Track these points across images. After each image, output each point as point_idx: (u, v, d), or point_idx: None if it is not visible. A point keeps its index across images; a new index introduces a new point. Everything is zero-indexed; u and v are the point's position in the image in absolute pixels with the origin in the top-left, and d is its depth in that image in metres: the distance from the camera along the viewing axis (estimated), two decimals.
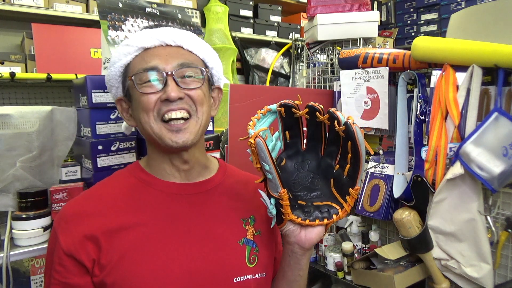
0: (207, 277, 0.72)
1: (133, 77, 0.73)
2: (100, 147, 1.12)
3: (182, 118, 0.72)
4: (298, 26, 3.29)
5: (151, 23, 1.29)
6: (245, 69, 2.97)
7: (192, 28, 1.37)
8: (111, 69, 0.77)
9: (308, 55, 1.79)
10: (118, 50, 0.76)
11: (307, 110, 0.68)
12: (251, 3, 3.02)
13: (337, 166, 0.71)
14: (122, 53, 0.75)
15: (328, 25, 1.62)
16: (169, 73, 0.71)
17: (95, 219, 0.72)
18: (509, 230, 1.10)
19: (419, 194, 1.20)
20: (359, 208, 1.40)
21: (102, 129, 1.13)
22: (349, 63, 1.45)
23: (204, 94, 0.76)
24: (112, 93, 0.81)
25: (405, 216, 1.18)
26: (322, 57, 1.81)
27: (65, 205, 0.76)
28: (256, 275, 0.77)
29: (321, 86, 1.76)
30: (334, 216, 0.70)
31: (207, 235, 0.76)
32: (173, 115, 0.71)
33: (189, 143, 0.74)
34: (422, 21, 3.48)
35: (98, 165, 1.12)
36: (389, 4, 3.73)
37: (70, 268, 0.69)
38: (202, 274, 0.72)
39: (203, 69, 0.76)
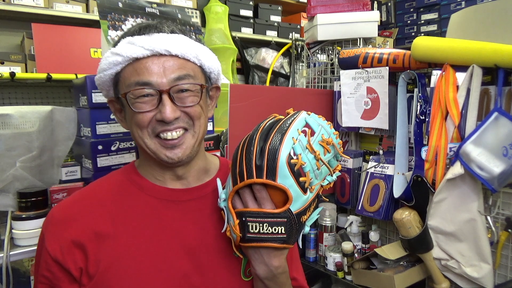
0: None
1: (126, 95, 0.68)
2: (100, 147, 1.12)
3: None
4: (298, 26, 3.28)
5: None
6: (245, 69, 2.96)
7: (192, 28, 1.37)
8: (100, 75, 0.72)
9: (308, 55, 1.79)
10: (107, 58, 0.70)
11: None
12: (251, 3, 3.02)
13: None
14: (112, 62, 0.69)
15: (328, 25, 1.62)
16: (165, 89, 0.67)
17: (82, 223, 0.69)
18: (509, 230, 1.10)
19: (419, 194, 1.20)
20: (359, 208, 1.40)
21: (102, 129, 1.13)
22: (349, 63, 1.44)
23: (202, 107, 0.72)
24: (103, 94, 0.78)
25: (405, 216, 1.18)
26: (322, 57, 1.81)
27: (54, 207, 0.73)
28: None
29: (321, 86, 1.76)
30: None
31: (199, 245, 0.72)
32: (169, 135, 0.69)
33: (185, 159, 0.71)
34: (422, 21, 3.48)
35: (98, 165, 1.12)
36: (389, 4, 3.73)
37: (58, 275, 0.67)
38: (191, 287, 0.69)
39: (201, 84, 0.72)
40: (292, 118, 0.67)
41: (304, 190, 0.65)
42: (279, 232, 0.63)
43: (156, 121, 0.68)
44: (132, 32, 0.71)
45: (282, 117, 0.70)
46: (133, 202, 0.73)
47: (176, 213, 0.73)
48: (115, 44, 0.72)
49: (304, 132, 0.66)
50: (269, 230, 0.63)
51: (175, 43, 0.69)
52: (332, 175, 0.71)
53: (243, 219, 0.64)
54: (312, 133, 0.67)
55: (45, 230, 0.70)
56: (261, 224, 0.63)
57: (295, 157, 0.63)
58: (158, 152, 0.70)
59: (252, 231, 0.63)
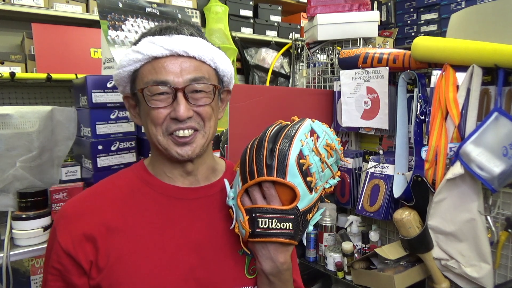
0: (203, 285, 0.71)
1: (143, 90, 0.71)
2: (100, 147, 1.12)
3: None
4: (298, 26, 3.29)
5: (152, 23, 1.29)
6: (245, 69, 2.97)
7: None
8: (119, 71, 0.75)
9: (308, 55, 1.79)
10: (128, 55, 0.73)
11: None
12: (251, 3, 3.02)
13: None
14: (132, 59, 0.72)
15: (328, 25, 1.62)
16: (180, 87, 0.70)
17: (93, 217, 0.71)
18: (509, 230, 1.10)
19: (419, 194, 1.20)
20: (359, 208, 1.40)
21: (102, 129, 1.13)
22: (349, 63, 1.45)
23: (213, 109, 0.75)
24: (119, 90, 0.81)
25: (405, 216, 1.18)
26: (322, 57, 1.81)
27: (66, 203, 0.76)
28: (256, 287, 0.76)
29: (321, 86, 1.76)
30: None
31: (205, 243, 0.74)
32: (181, 133, 0.72)
33: (194, 156, 0.74)
34: (422, 21, 3.48)
35: (98, 165, 1.12)
36: (389, 4, 3.73)
37: (68, 267, 0.69)
38: (198, 282, 0.71)
39: (214, 85, 0.74)
40: (299, 124, 0.72)
41: (310, 190, 0.69)
42: (287, 228, 0.67)
43: (170, 119, 0.71)
44: (153, 32, 0.75)
45: (288, 123, 0.74)
46: (142, 199, 0.75)
47: (183, 210, 0.76)
48: (135, 42, 0.75)
49: (310, 136, 0.71)
50: (277, 226, 0.66)
51: (194, 45, 0.72)
52: (334, 178, 0.76)
53: (253, 215, 0.67)
54: (317, 138, 0.72)
55: (57, 224, 0.73)
56: (270, 220, 0.66)
57: (303, 158, 0.67)
58: (169, 149, 0.72)
59: (262, 226, 0.66)
